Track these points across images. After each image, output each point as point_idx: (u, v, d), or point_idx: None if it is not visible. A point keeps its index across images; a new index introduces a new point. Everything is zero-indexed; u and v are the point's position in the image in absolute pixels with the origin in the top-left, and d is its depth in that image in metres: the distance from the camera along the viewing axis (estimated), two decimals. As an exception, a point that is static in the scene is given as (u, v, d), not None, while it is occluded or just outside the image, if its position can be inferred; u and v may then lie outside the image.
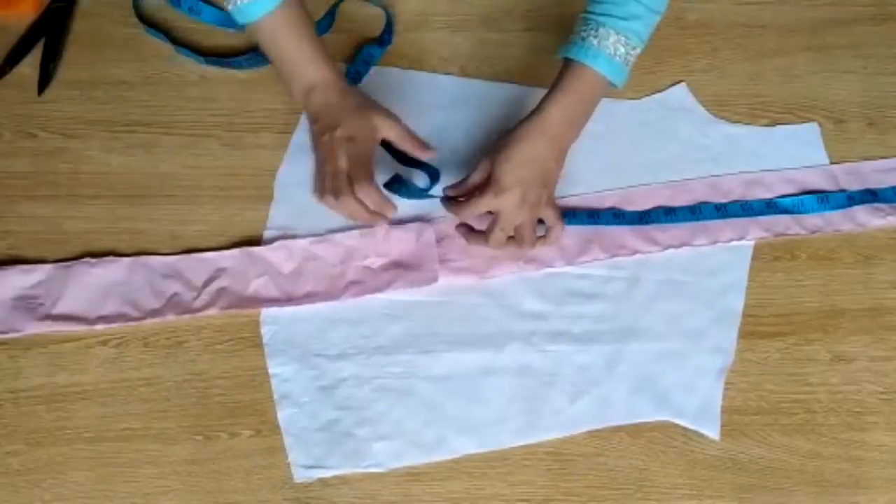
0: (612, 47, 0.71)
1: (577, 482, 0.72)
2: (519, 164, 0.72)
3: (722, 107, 0.86)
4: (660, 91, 0.87)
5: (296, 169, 0.82)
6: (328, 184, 0.72)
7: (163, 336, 0.75)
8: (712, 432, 0.73)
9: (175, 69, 0.86)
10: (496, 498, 0.71)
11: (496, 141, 0.74)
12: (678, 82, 0.87)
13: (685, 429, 0.74)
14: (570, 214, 0.79)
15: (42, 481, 0.71)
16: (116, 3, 0.89)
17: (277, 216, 0.80)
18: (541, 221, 0.75)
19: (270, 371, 0.74)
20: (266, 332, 0.76)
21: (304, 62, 0.74)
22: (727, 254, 0.80)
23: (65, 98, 0.84)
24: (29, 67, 0.85)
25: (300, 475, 0.71)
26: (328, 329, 0.76)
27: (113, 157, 0.82)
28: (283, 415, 0.73)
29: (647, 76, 0.88)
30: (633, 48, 0.72)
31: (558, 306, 0.78)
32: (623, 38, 0.71)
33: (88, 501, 0.70)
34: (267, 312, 0.76)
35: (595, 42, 0.71)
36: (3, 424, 0.72)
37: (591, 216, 0.79)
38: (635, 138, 0.85)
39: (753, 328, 0.77)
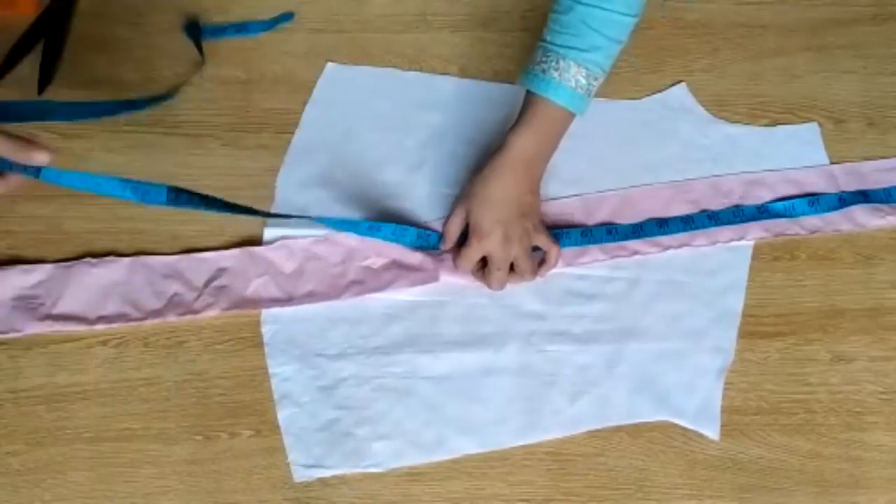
0: (573, 80, 0.71)
1: (577, 482, 0.72)
2: (493, 205, 0.73)
3: (722, 107, 0.86)
4: (660, 91, 0.87)
5: (296, 169, 0.82)
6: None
7: (163, 336, 0.75)
8: (712, 432, 0.73)
9: (175, 69, 0.86)
10: (496, 498, 0.71)
11: (468, 184, 0.76)
12: (678, 82, 0.87)
13: (685, 429, 0.74)
14: (564, 234, 0.79)
15: (42, 481, 0.71)
16: (116, 3, 0.89)
17: (277, 216, 0.80)
18: (537, 248, 0.76)
19: (270, 370, 0.74)
20: (266, 331, 0.76)
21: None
22: (727, 254, 0.80)
23: (65, 98, 0.84)
24: (29, 67, 0.85)
25: (300, 475, 0.71)
26: (328, 329, 0.76)
27: (113, 157, 0.82)
28: (283, 414, 0.73)
29: (647, 76, 0.88)
30: (595, 78, 0.72)
31: (558, 306, 0.78)
32: (584, 70, 0.71)
33: (88, 501, 0.70)
34: (268, 312, 0.76)
35: (556, 75, 0.71)
36: (3, 424, 0.72)
37: (585, 234, 0.79)
38: (635, 138, 0.85)
39: (753, 328, 0.77)
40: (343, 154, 0.83)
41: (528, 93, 0.73)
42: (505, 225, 0.73)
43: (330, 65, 0.87)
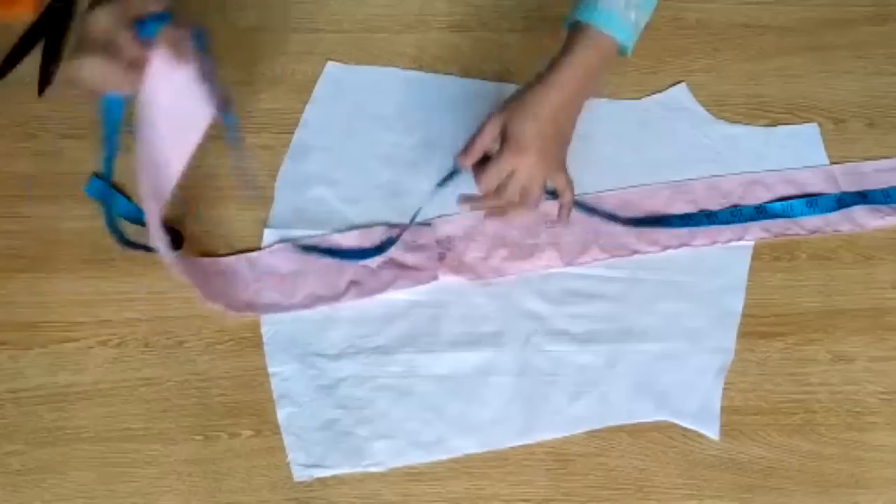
0: (623, 12, 0.69)
1: (577, 482, 0.72)
2: (538, 119, 0.69)
3: (722, 107, 0.86)
4: (660, 91, 0.87)
5: (296, 169, 0.82)
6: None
7: (163, 336, 0.75)
8: (712, 432, 0.73)
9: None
10: (496, 498, 0.71)
11: (507, 101, 0.71)
12: (678, 82, 0.87)
13: (685, 429, 0.74)
14: (577, 204, 0.78)
15: (43, 481, 0.71)
16: (116, 3, 0.89)
17: (277, 216, 0.80)
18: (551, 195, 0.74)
19: (270, 370, 0.74)
20: (266, 331, 0.76)
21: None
22: (727, 254, 0.80)
23: (65, 98, 0.84)
24: (29, 67, 0.85)
25: (300, 474, 0.71)
26: (328, 328, 0.76)
27: (113, 157, 0.82)
28: (282, 414, 0.73)
29: (647, 76, 0.88)
30: (644, 13, 0.70)
31: (558, 306, 0.78)
32: (633, 2, 0.69)
33: (89, 501, 0.70)
34: (267, 312, 0.76)
35: (605, 4, 0.69)
36: (4, 424, 0.72)
37: (590, 210, 0.80)
38: (635, 138, 0.85)
39: (753, 328, 0.77)
40: (343, 154, 0.83)
41: (575, 25, 0.71)
42: (544, 141, 0.69)
43: (330, 64, 0.87)
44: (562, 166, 0.73)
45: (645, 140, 0.85)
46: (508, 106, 0.71)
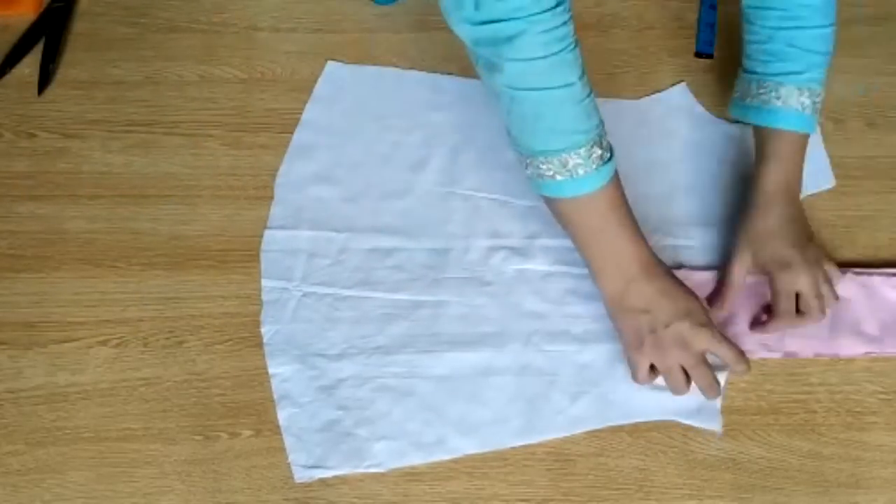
0: (798, 103, 0.72)
1: (577, 482, 0.72)
2: (783, 235, 0.72)
3: (722, 107, 0.86)
4: (660, 91, 0.87)
5: (296, 169, 0.82)
6: (674, 382, 0.71)
7: (162, 336, 0.75)
8: (714, 426, 0.73)
9: (175, 69, 0.86)
10: (496, 498, 0.71)
11: (737, 232, 0.75)
12: (678, 82, 0.88)
13: (685, 429, 0.74)
14: None
15: (42, 481, 0.71)
16: (116, 3, 0.90)
17: (277, 216, 0.80)
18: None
19: (270, 371, 0.74)
20: (266, 331, 0.76)
21: (628, 245, 0.69)
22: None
23: (65, 98, 0.85)
24: (29, 67, 0.85)
25: (300, 475, 0.71)
26: (328, 329, 0.76)
27: (113, 157, 0.82)
28: (283, 415, 0.73)
29: (647, 76, 0.88)
30: (818, 95, 0.73)
31: (558, 306, 0.78)
32: (806, 91, 0.72)
33: (89, 501, 0.70)
34: (267, 312, 0.76)
35: (779, 103, 0.73)
36: (4, 424, 0.72)
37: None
38: (635, 138, 0.85)
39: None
40: (343, 153, 0.83)
41: (757, 128, 0.75)
42: (802, 250, 0.72)
43: (330, 63, 0.87)
44: (821, 255, 0.74)
45: (645, 140, 0.85)
46: (747, 237, 0.73)
